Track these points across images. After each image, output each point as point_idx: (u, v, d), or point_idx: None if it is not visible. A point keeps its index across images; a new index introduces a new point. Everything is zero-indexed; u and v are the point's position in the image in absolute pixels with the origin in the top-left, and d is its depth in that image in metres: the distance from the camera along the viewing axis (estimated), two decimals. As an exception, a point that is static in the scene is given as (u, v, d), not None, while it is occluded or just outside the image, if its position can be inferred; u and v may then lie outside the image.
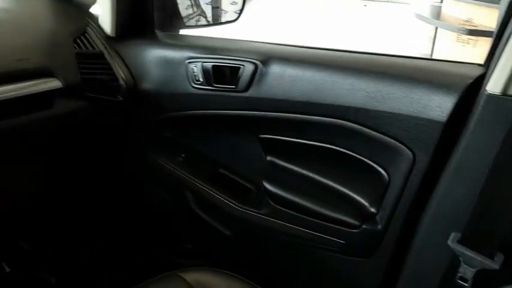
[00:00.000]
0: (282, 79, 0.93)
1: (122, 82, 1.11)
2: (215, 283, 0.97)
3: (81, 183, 1.29)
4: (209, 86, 1.03)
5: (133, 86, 1.13)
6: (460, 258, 0.70)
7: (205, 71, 1.02)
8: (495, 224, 0.66)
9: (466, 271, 0.69)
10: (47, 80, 0.99)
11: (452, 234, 0.71)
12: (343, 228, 0.90)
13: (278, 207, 0.99)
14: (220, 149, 1.13)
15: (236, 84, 0.99)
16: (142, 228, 1.33)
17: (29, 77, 0.96)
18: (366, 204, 0.90)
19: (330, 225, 0.92)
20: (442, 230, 0.73)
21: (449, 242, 0.71)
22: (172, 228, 1.28)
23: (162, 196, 1.21)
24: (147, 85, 1.12)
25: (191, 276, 0.97)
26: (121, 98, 1.12)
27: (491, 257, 0.67)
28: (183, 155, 1.18)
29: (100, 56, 1.11)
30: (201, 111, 1.08)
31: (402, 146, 0.80)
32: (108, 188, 1.30)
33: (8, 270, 1.42)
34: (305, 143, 0.96)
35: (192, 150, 1.17)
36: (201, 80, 1.04)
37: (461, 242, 0.70)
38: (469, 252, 0.68)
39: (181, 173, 1.14)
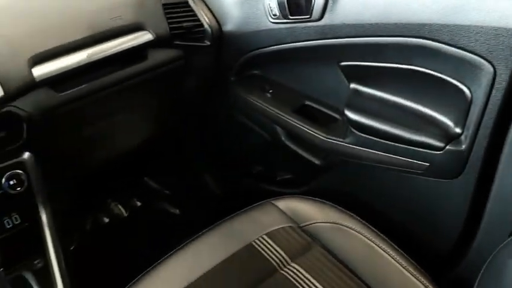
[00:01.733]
0: (354, 2, 0.91)
1: (207, 27, 1.17)
2: (306, 208, 1.03)
3: (183, 124, 1.43)
4: (285, 18, 1.04)
5: (218, 29, 1.18)
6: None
7: (280, 4, 1.03)
8: None
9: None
10: (139, 33, 1.09)
11: None
12: (427, 151, 0.89)
13: (361, 134, 0.99)
14: (304, 81, 1.15)
15: (310, 14, 0.99)
16: (238, 161, 1.44)
17: (123, 33, 1.07)
18: (450, 124, 0.87)
19: (414, 148, 0.91)
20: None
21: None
22: (268, 160, 1.36)
23: (256, 130, 1.28)
24: (230, 26, 1.17)
25: (283, 204, 1.05)
26: (208, 43, 1.18)
27: None
28: (270, 91, 1.23)
29: (185, 3, 1.17)
30: (282, 46, 1.10)
31: (481, 59, 0.75)
32: (205, 127, 1.41)
33: (139, 204, 1.66)
34: (384, 66, 0.94)
35: (278, 86, 1.21)
36: (277, 13, 1.05)
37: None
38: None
39: (270, 109, 1.19)
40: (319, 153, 1.14)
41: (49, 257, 0.93)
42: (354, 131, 1.00)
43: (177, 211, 1.65)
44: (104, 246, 1.47)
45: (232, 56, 1.22)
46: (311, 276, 0.88)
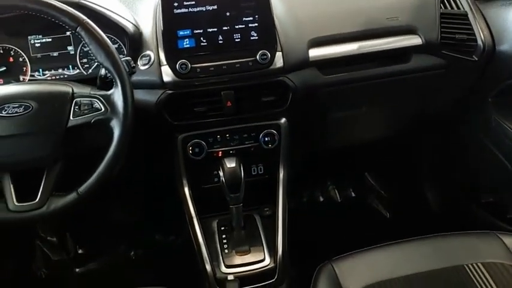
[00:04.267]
0: None
1: (480, 42, 1.14)
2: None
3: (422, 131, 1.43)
4: None
5: (492, 47, 1.14)
6: None
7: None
8: None
9: None
10: (410, 36, 1.14)
11: None
12: None
13: None
14: None
15: None
16: (468, 184, 1.37)
17: (395, 33, 1.13)
18: None
19: None
20: None
21: None
22: (504, 192, 1.26)
23: (498, 158, 1.21)
24: (507, 46, 1.12)
25: (510, 240, 0.98)
26: (476, 58, 1.15)
27: None
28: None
29: (464, 16, 1.16)
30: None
31: None
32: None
33: (353, 195, 1.74)
34: None
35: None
36: None
37: None
38: None
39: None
40: None
41: (277, 208, 1.08)
42: None
43: (388, 214, 1.67)
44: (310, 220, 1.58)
45: (499, 78, 1.17)
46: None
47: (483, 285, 0.89)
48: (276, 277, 0.99)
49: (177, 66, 0.98)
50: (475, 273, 0.91)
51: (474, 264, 0.92)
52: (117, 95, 0.82)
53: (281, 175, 1.13)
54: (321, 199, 1.70)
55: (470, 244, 0.98)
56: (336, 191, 1.72)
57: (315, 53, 1.09)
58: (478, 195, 1.37)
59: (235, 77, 1.01)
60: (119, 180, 0.92)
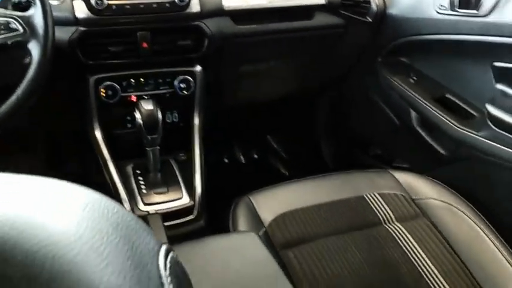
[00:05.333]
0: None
1: (373, 5, 1.27)
2: (421, 185, 1.09)
3: (321, 90, 1.54)
4: (452, 11, 1.10)
5: (383, 10, 1.28)
6: None
7: (451, -5, 1.10)
8: None
9: None
10: (314, -3, 1.23)
11: None
12: None
13: (500, 131, 1.02)
14: (450, 75, 1.20)
15: (479, 9, 1.04)
16: (358, 140, 1.52)
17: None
18: None
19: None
20: None
21: None
22: (389, 144, 1.42)
23: (386, 112, 1.36)
24: (395, 10, 1.26)
25: (401, 176, 1.11)
26: (370, 20, 1.28)
27: None
28: (414, 78, 1.29)
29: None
30: (440, 36, 1.16)
31: None
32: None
33: (256, 157, 1.81)
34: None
35: (421, 75, 1.27)
36: (445, 5, 1.11)
37: None
38: None
39: (410, 93, 1.26)
40: (448, 144, 1.18)
41: (194, 153, 1.10)
42: (493, 126, 1.04)
43: (287, 173, 1.77)
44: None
45: (388, 38, 1.31)
46: (413, 238, 0.94)
47: (380, 210, 1.01)
48: (195, 213, 1.02)
49: (93, 1, 0.95)
50: (373, 201, 1.03)
51: (372, 194, 1.04)
52: (37, 15, 0.78)
53: (196, 122, 1.15)
54: (226, 160, 1.75)
55: (369, 179, 1.10)
56: (240, 153, 1.78)
57: (229, 2, 1.13)
58: (368, 149, 1.53)
59: (152, 18, 1.01)
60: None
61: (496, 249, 0.94)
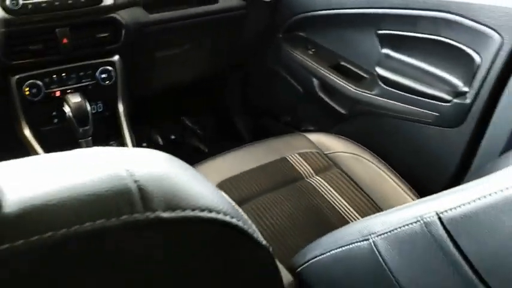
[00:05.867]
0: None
1: (269, -14, 1.40)
2: (331, 142, 1.26)
3: (231, 69, 1.65)
4: (337, -13, 1.27)
5: (279, -10, 1.42)
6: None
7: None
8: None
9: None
10: (217, -19, 1.32)
11: None
12: (439, 103, 1.12)
13: (387, 87, 1.22)
14: (342, 45, 1.38)
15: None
16: (269, 111, 1.67)
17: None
18: (460, 83, 1.10)
19: (428, 100, 1.14)
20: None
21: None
22: (296, 111, 1.59)
23: (291, 83, 1.52)
24: (288, -11, 1.40)
25: (313, 136, 1.28)
26: (268, 0, 1.42)
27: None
28: (312, 50, 1.46)
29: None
30: (331, 11, 1.33)
31: (493, 31, 0.98)
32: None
33: (173, 137, 1.88)
34: (415, 36, 1.17)
35: (318, 46, 1.44)
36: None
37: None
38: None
39: (310, 63, 1.43)
40: (347, 104, 1.37)
41: (125, 140, 1.16)
42: (382, 84, 1.23)
43: (206, 150, 1.87)
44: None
45: (285, 16, 1.45)
46: (329, 186, 1.11)
47: (300, 167, 1.16)
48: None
49: (7, 1, 0.95)
50: (294, 160, 1.18)
51: (292, 155, 1.19)
52: None
53: (121, 110, 1.20)
54: (145, 144, 1.80)
55: (286, 142, 1.25)
56: (158, 136, 1.84)
57: (140, -7, 1.19)
58: (279, 117, 1.68)
59: (68, 14, 1.04)
60: None
61: (396, 184, 1.14)
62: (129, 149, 0.34)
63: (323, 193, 1.10)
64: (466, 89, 1.08)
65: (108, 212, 0.26)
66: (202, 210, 0.29)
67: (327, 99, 1.42)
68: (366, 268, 0.56)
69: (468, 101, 1.07)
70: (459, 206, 0.44)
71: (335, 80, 1.36)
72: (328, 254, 0.61)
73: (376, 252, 0.53)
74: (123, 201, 0.27)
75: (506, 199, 0.41)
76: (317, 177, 1.14)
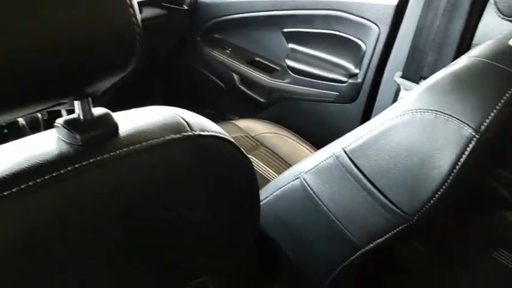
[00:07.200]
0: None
1: (186, -4, 1.59)
2: (256, 126, 1.48)
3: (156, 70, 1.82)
4: (247, -6, 1.50)
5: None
6: (401, 87, 1.18)
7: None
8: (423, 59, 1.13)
9: (403, 94, 1.17)
10: (138, -7, 1.49)
11: (397, 73, 1.18)
12: (338, 84, 1.39)
13: (296, 75, 1.47)
14: (255, 43, 1.61)
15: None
16: (194, 106, 1.86)
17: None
18: (352, 67, 1.37)
19: (329, 83, 1.40)
20: (393, 72, 1.21)
21: (395, 78, 1.18)
22: (219, 104, 1.80)
23: (213, 80, 1.72)
24: (205, -3, 1.61)
25: (240, 123, 1.49)
26: (186, 7, 1.60)
27: (418, 82, 1.14)
28: (230, 49, 1.67)
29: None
30: (242, 14, 1.55)
31: (373, 24, 1.26)
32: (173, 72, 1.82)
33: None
34: (313, 32, 1.43)
35: (234, 46, 1.66)
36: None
37: (402, 76, 1.17)
38: (406, 82, 1.16)
39: (229, 61, 1.64)
40: (264, 93, 1.60)
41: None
42: (291, 73, 1.48)
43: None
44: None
45: (202, 20, 1.65)
46: (260, 162, 1.34)
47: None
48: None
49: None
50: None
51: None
52: None
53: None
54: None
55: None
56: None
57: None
58: (205, 111, 1.88)
59: None
60: None
61: (310, 153, 1.39)
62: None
63: (255, 167, 1.32)
64: (357, 71, 1.36)
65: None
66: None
67: (247, 91, 1.65)
68: (300, 199, 0.78)
69: (359, 80, 1.35)
70: (356, 140, 0.68)
71: (252, 73, 1.58)
72: (272, 195, 0.82)
73: (306, 185, 0.76)
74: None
75: (383, 131, 0.65)
76: (250, 156, 1.35)
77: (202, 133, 0.52)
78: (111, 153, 0.45)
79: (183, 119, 0.52)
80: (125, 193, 0.45)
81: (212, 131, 0.54)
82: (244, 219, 0.62)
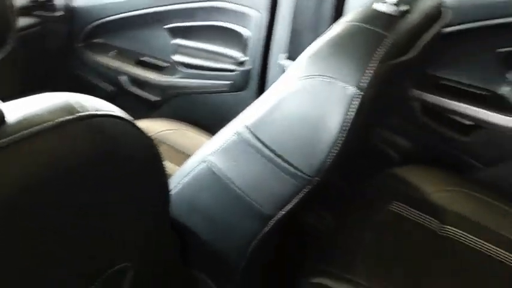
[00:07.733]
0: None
1: (57, 1, 1.52)
2: (156, 125, 1.47)
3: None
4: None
5: (70, 4, 1.54)
6: (284, 68, 1.24)
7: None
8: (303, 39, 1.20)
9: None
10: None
11: (280, 55, 1.25)
12: (229, 73, 1.42)
13: (185, 70, 1.48)
14: (139, 43, 1.58)
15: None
16: None
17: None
18: (240, 55, 1.42)
19: (220, 73, 1.43)
20: (278, 56, 1.27)
21: (278, 61, 1.25)
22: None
23: (99, 84, 1.67)
24: (80, 2, 1.55)
25: (139, 124, 1.46)
26: (60, 14, 1.53)
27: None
28: (115, 51, 1.63)
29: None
30: (121, 15, 1.52)
31: (255, 10, 1.32)
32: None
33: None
34: (197, 25, 1.45)
35: (118, 48, 1.62)
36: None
37: (287, 58, 1.24)
38: (291, 63, 1.23)
39: (115, 63, 1.60)
40: (157, 91, 1.58)
41: None
42: (180, 68, 1.49)
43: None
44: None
45: (80, 25, 1.59)
46: (166, 160, 1.32)
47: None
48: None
49: None
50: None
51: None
52: None
53: None
54: None
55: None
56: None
57: None
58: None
59: None
60: None
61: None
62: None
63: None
64: (244, 58, 1.41)
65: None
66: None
67: (138, 92, 1.62)
68: (209, 182, 0.80)
69: (248, 67, 1.40)
70: (253, 115, 0.72)
71: (141, 74, 1.56)
72: (180, 184, 0.83)
73: (212, 167, 0.78)
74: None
75: (277, 102, 0.69)
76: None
77: (98, 112, 0.51)
78: None
79: (76, 101, 0.51)
80: (16, 185, 0.43)
81: (108, 110, 0.53)
82: (153, 200, 0.62)
